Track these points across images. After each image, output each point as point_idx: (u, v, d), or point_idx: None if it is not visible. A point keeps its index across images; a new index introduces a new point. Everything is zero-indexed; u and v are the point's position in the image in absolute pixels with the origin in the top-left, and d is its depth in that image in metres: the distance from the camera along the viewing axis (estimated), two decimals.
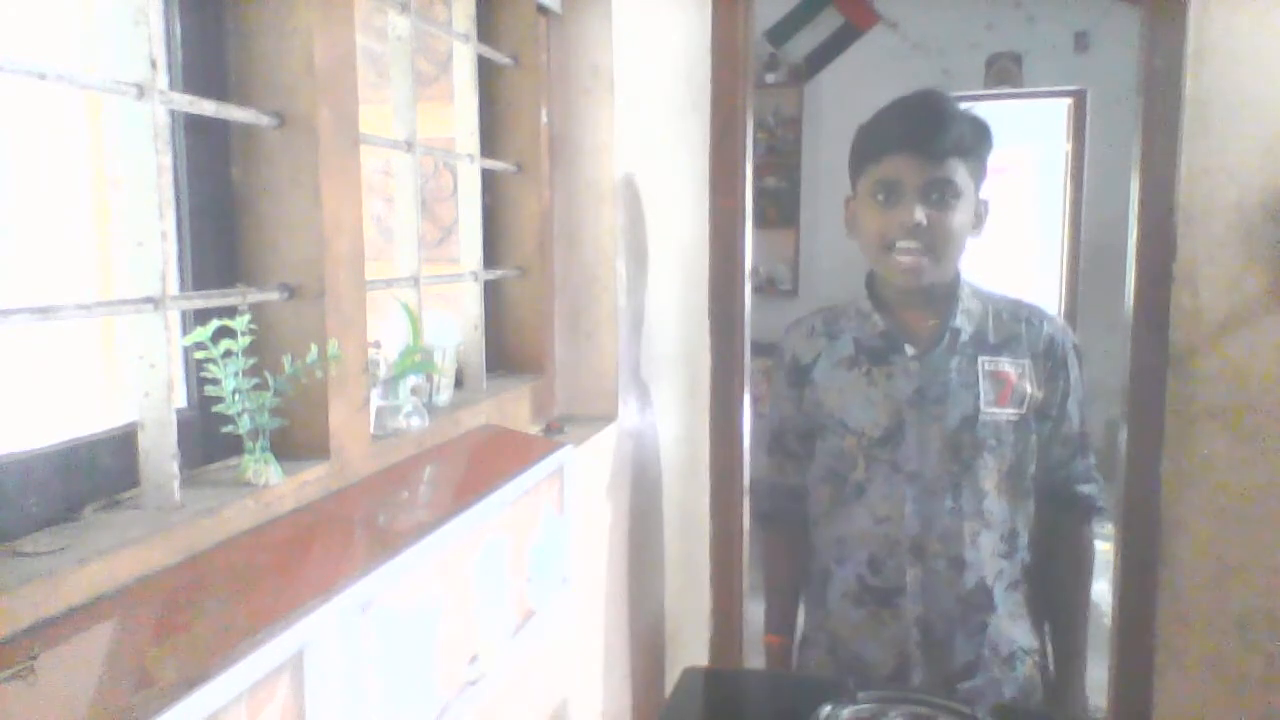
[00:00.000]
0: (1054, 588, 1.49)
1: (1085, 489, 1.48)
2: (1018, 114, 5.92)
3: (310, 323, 0.96)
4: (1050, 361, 1.42)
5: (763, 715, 1.17)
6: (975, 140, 1.38)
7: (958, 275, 1.43)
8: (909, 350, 1.41)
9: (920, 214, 1.33)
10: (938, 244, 1.35)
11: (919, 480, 1.39)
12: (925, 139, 1.34)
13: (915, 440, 1.39)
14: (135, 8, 0.78)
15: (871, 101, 1.58)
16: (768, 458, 1.62)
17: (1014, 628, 1.45)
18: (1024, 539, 1.46)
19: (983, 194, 1.43)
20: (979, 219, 1.41)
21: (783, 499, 1.59)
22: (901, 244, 1.35)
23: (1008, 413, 1.39)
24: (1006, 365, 1.40)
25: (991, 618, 1.42)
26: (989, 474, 1.39)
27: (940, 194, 1.34)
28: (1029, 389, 1.40)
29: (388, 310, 1.23)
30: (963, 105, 1.40)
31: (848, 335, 1.47)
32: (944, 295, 1.43)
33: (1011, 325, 1.43)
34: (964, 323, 1.41)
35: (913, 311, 1.44)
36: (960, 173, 1.36)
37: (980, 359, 1.40)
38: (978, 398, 1.38)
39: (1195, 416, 2.06)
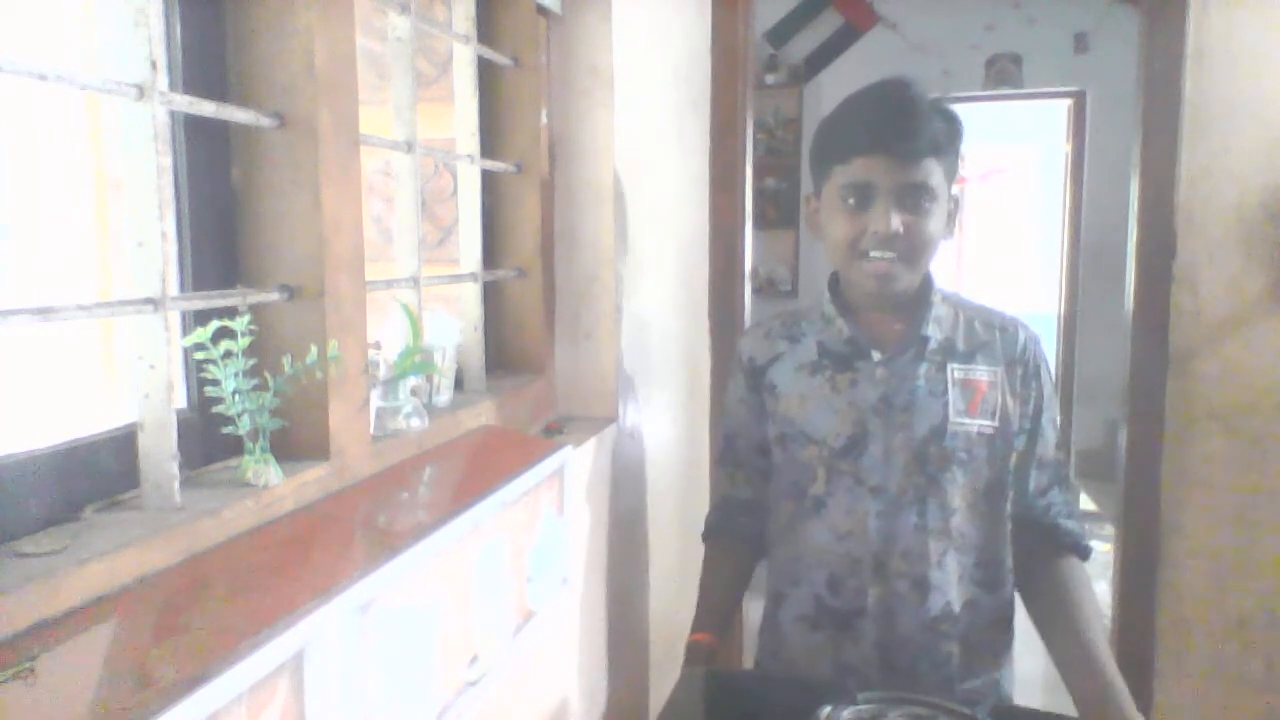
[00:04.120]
0: (1058, 636, 1.31)
1: (1069, 524, 1.36)
2: (1018, 115, 5.93)
3: (310, 323, 0.96)
4: (1023, 369, 1.34)
5: (762, 715, 1.16)
6: (949, 137, 1.29)
7: (929, 280, 1.35)
8: (875, 356, 1.33)
9: (896, 221, 1.25)
10: (914, 251, 1.27)
11: (883, 494, 1.30)
12: (899, 139, 1.24)
13: (880, 451, 1.30)
14: (135, 9, 0.78)
15: None
16: (718, 469, 1.50)
17: (992, 670, 1.34)
18: (1008, 572, 1.35)
19: (954, 191, 1.34)
20: (950, 219, 1.32)
21: (731, 513, 1.47)
22: (875, 253, 1.27)
23: (979, 423, 1.30)
24: (978, 373, 1.32)
25: (959, 650, 1.30)
26: (958, 489, 1.30)
27: (915, 198, 1.26)
28: (1000, 399, 1.32)
29: (388, 311, 1.23)
30: (931, 95, 1.30)
31: (810, 339, 1.38)
32: (914, 301, 1.34)
33: (984, 333, 1.35)
34: (934, 330, 1.33)
35: (880, 317, 1.35)
36: (936, 174, 1.27)
37: (950, 366, 1.32)
38: (946, 407, 1.30)
39: (1195, 417, 2.06)
